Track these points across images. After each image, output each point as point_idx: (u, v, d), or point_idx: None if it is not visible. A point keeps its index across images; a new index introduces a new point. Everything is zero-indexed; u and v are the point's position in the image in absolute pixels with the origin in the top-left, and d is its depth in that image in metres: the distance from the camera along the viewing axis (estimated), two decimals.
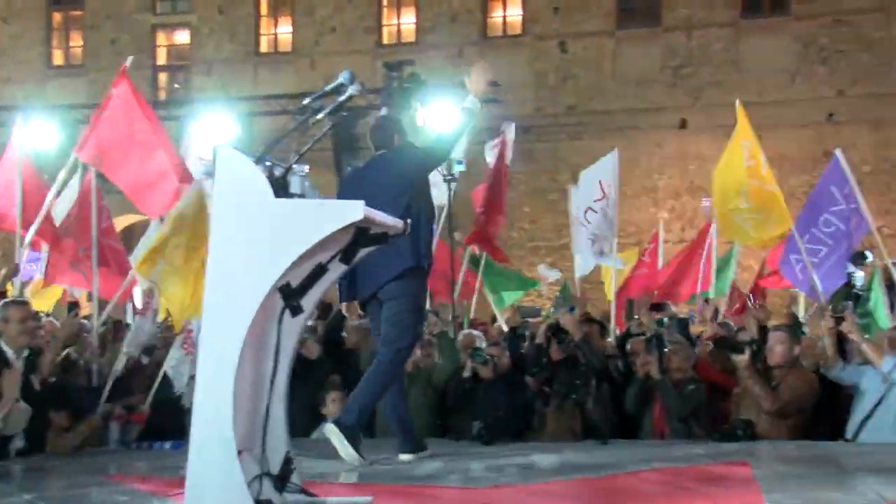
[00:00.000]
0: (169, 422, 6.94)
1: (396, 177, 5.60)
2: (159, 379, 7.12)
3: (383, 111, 12.43)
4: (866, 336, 7.14)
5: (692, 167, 19.23)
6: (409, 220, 4.24)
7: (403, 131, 6.00)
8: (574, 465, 5.23)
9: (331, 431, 5.29)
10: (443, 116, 16.60)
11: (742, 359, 6.66)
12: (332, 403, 7.04)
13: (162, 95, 21.41)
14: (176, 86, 21.89)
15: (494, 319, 11.85)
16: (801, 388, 6.74)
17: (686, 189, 19.21)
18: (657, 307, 9.35)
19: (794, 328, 7.82)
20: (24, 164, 8.80)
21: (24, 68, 21.31)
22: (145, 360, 7.69)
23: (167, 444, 6.41)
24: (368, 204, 3.64)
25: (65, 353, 7.17)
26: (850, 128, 18.11)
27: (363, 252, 4.01)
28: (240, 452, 3.39)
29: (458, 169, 9.53)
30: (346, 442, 5.21)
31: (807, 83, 18.63)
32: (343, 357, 7.96)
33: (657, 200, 19.21)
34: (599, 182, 9.85)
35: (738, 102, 8.35)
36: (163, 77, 21.97)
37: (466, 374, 7.23)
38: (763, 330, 7.70)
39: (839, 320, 6.82)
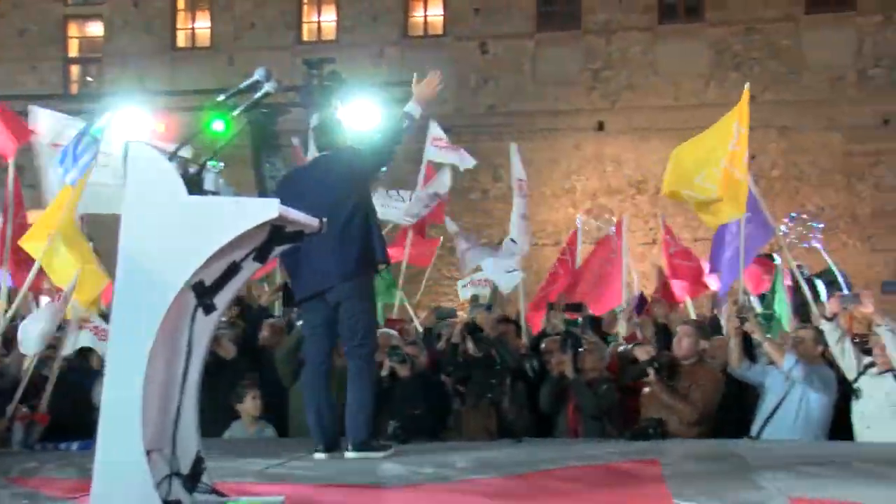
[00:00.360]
0: (76, 421, 6.81)
1: (341, 178, 5.64)
2: (53, 377, 6.97)
3: (316, 115, 12.34)
4: (768, 336, 7.38)
5: (609, 169, 19.58)
6: (324, 220, 4.24)
7: (344, 132, 6.05)
8: (489, 464, 5.27)
9: (357, 456, 5.50)
10: (363, 115, 16.60)
11: (651, 380, 6.84)
12: (251, 401, 7.01)
13: (74, 89, 20.94)
14: (88, 79, 21.42)
15: (411, 319, 11.87)
16: (711, 392, 6.94)
17: (603, 190, 19.54)
18: (575, 308, 9.49)
19: (702, 325, 8.00)
20: None
21: None
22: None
23: (74, 445, 6.27)
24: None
25: None
26: (761, 133, 18.60)
27: (278, 250, 4.01)
28: (149, 452, 3.37)
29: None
30: (376, 454, 5.48)
31: (720, 88, 19.10)
32: (257, 356, 7.90)
33: (575, 201, 19.50)
34: (518, 182, 10.02)
35: (746, 86, 8.40)
36: (74, 70, 21.47)
37: (384, 373, 7.22)
38: (664, 330, 7.90)
39: (743, 320, 7.03)
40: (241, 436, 6.99)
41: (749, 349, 7.19)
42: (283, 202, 3.57)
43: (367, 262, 5.68)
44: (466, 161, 10.97)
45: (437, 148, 10.97)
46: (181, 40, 21.31)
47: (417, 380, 7.18)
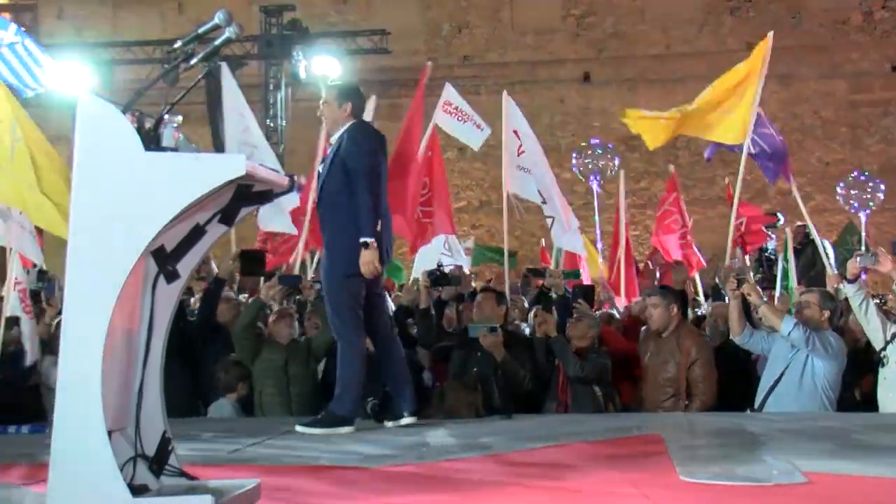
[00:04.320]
0: (21, 402, 6.79)
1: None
2: None
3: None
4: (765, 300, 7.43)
5: (596, 123, 19.58)
6: (294, 176, 4.22)
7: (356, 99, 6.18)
8: (478, 443, 5.31)
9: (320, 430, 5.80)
10: (326, 68, 16.52)
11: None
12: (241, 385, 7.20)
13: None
14: (21, 29, 21.08)
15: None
16: (710, 366, 7.07)
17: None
18: (537, 273, 9.63)
19: (666, 289, 8.07)
20: None
21: None
22: None
23: (24, 428, 6.24)
24: None
25: None
26: None
27: (245, 211, 3.98)
28: (110, 433, 3.34)
29: None
30: (338, 429, 5.79)
31: (714, 35, 19.14)
32: (216, 331, 7.86)
33: (560, 159, 19.47)
34: (514, 132, 9.87)
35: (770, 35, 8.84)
36: (5, 18, 21.14)
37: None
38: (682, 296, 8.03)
39: (740, 282, 7.08)
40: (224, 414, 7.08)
41: (750, 316, 7.24)
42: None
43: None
44: (476, 137, 10.62)
45: (448, 115, 10.34)
46: None
47: None
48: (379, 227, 5.90)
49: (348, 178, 5.90)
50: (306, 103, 17.41)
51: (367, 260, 5.80)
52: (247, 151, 8.97)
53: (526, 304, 9.49)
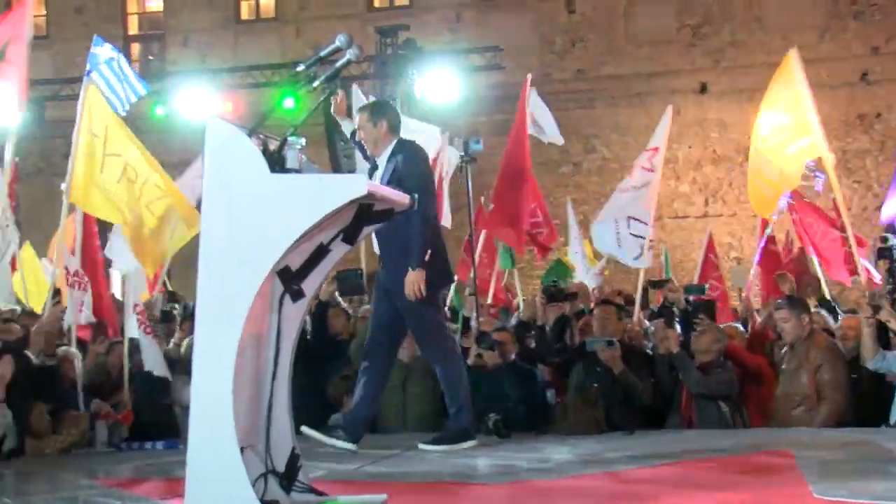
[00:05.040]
0: (155, 420, 7.00)
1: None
2: (127, 375, 7.18)
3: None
4: None
5: (714, 135, 19.21)
6: (414, 195, 4.24)
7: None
8: (600, 459, 5.25)
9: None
10: (440, 86, 16.62)
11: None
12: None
13: (136, 68, 21.33)
14: (150, 58, 21.81)
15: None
16: (840, 371, 6.83)
17: (708, 159, 19.20)
18: (657, 285, 9.44)
19: (794, 300, 7.84)
20: None
21: None
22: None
23: (159, 445, 6.44)
24: None
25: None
26: (887, 88, 18.07)
27: (367, 230, 4.03)
28: (242, 449, 3.41)
29: (475, 149, 9.41)
30: (462, 444, 5.82)
31: (837, 40, 18.56)
32: (337, 347, 7.98)
33: (677, 171, 19.20)
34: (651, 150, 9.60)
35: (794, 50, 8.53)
36: (135, 48, 21.87)
37: (470, 361, 7.24)
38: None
39: (876, 309, 6.83)
40: None
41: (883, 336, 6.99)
42: None
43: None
44: (552, 132, 10.62)
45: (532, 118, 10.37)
46: (245, 12, 21.55)
47: (510, 370, 7.18)
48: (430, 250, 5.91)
49: None
50: (421, 121, 17.60)
51: (412, 280, 5.80)
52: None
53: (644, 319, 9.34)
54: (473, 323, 8.52)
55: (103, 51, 8.06)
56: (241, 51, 20.61)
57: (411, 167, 5.93)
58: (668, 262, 13.28)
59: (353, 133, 6.22)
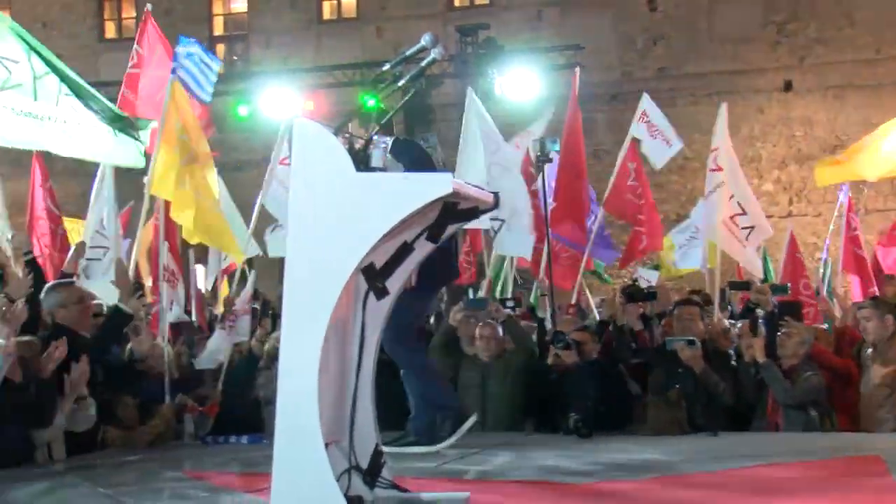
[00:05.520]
0: (240, 415, 7.12)
1: None
2: (224, 369, 7.38)
3: None
4: None
5: (798, 133, 18.86)
6: (498, 193, 4.24)
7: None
8: (684, 461, 5.19)
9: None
10: (521, 85, 16.58)
11: None
12: None
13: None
14: (234, 58, 22.14)
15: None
16: None
17: (793, 157, 18.84)
18: (740, 286, 9.26)
19: (879, 300, 7.65)
20: None
21: (74, 43, 21.73)
22: None
23: (244, 439, 6.53)
24: None
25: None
26: None
27: (452, 228, 4.03)
28: (326, 445, 3.43)
29: (552, 149, 9.32)
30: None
31: None
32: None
33: (760, 170, 18.87)
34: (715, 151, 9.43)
35: None
36: (220, 48, 22.21)
37: (549, 360, 7.22)
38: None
39: None
40: None
41: None
42: None
43: None
44: (661, 155, 10.42)
45: (645, 125, 10.13)
46: (327, 12, 21.75)
47: (590, 369, 7.13)
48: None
49: None
50: (500, 121, 17.55)
51: None
52: (495, 172, 9.05)
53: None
54: (548, 324, 8.48)
55: (186, 48, 8.22)
56: (322, 51, 20.82)
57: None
58: (769, 262, 12.98)
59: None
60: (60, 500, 4.52)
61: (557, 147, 9.44)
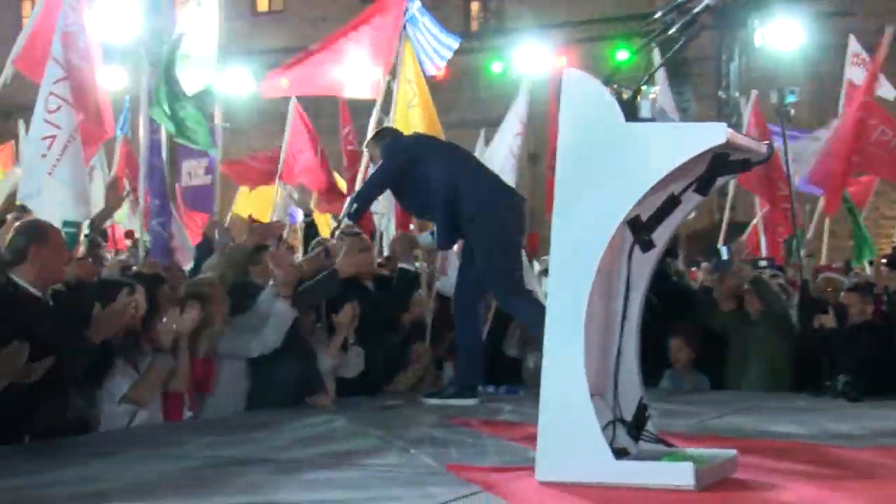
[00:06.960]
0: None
1: None
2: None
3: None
4: None
5: None
6: (770, 143, 4.07)
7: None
8: None
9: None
10: (782, 35, 15.82)
11: None
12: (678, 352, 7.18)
13: (474, 27, 21.88)
14: (488, 15, 22.33)
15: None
16: None
17: None
18: None
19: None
20: None
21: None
22: None
23: (501, 389, 6.62)
24: None
25: None
26: None
27: (722, 181, 3.90)
28: (591, 396, 3.42)
29: (790, 100, 8.87)
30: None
31: None
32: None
33: None
34: None
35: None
36: (475, 7, 22.45)
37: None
38: None
39: None
40: (676, 387, 7.06)
41: None
42: None
43: None
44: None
45: (857, 67, 10.14)
46: None
47: (866, 331, 6.82)
48: None
49: None
50: (759, 73, 16.77)
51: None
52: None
53: None
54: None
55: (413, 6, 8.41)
56: (575, 6, 20.62)
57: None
58: None
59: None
60: (331, 431, 4.86)
61: (795, 97, 8.90)
